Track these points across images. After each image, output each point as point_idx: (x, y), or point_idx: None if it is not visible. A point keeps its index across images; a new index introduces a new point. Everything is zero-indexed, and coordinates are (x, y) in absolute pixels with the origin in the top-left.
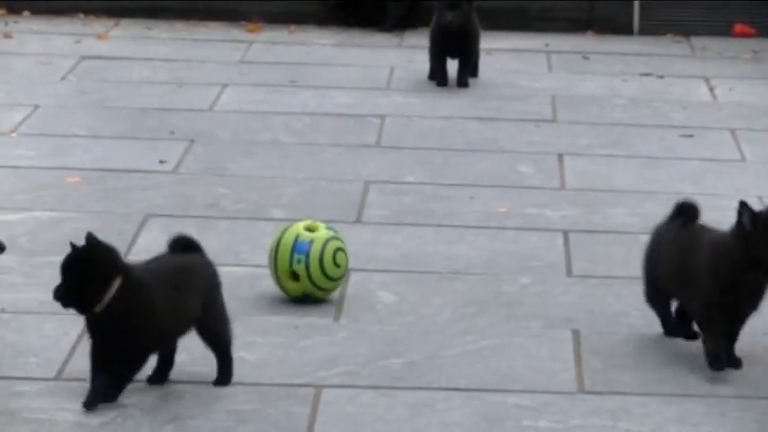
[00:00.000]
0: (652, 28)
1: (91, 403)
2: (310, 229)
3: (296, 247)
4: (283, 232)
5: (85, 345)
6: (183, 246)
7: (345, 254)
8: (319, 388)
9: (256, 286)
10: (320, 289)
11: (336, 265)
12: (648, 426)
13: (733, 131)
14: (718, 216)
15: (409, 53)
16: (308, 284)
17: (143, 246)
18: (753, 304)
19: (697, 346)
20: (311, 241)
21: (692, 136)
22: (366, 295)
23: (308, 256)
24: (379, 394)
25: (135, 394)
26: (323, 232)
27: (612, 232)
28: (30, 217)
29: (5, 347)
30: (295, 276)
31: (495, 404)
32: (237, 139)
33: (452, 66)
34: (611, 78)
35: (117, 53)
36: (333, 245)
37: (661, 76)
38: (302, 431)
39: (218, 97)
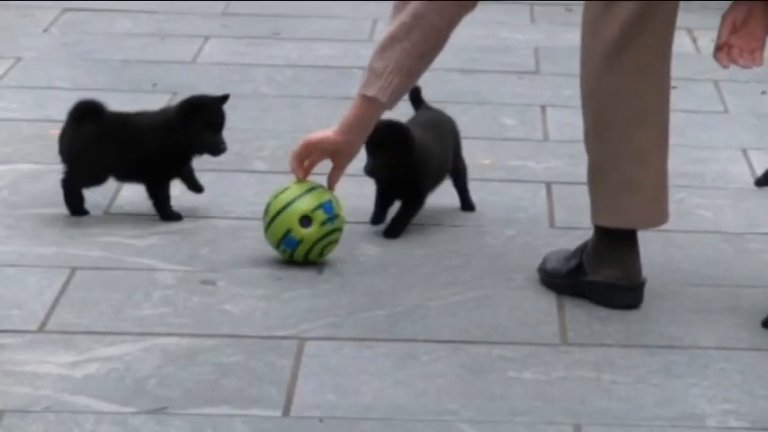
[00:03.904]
0: None
1: None
2: (308, 218)
3: (285, 239)
4: (278, 212)
5: (69, 297)
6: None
7: (336, 244)
8: (302, 340)
9: (239, 239)
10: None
11: (322, 256)
12: (632, 377)
13: (716, 83)
14: (701, 167)
15: (391, 5)
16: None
17: (126, 198)
18: None
19: (678, 298)
20: (300, 241)
21: (675, 87)
22: (349, 247)
23: (294, 250)
24: (362, 346)
25: (116, 346)
26: (315, 229)
27: None
28: (12, 169)
29: None
30: (282, 252)
31: (480, 356)
32: (220, 92)
33: None
34: None
35: (99, 5)
36: (322, 244)
37: None
38: (286, 383)
39: (200, 49)
